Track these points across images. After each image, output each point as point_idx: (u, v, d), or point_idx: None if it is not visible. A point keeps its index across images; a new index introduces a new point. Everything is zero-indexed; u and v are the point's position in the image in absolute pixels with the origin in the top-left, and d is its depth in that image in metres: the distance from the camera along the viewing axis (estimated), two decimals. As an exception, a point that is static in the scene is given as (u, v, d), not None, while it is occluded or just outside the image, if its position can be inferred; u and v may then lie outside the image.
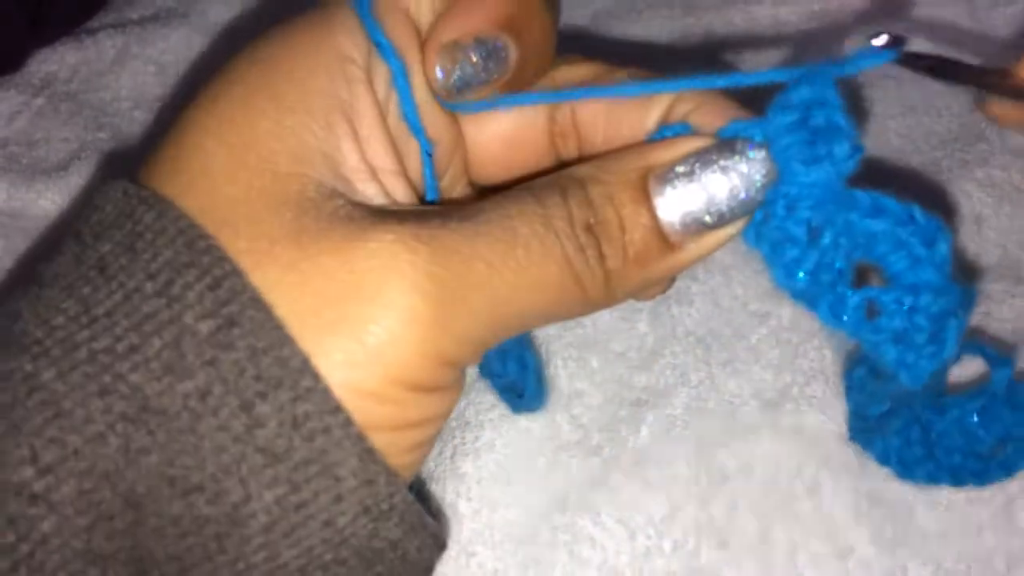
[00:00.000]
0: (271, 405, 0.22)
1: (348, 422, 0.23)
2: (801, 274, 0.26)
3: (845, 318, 0.26)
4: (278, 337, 0.22)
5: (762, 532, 0.35)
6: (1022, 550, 0.34)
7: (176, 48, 0.57)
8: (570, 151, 0.30)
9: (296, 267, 0.23)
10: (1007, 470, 0.33)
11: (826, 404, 0.38)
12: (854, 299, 0.26)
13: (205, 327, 0.22)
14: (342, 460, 0.23)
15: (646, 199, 0.25)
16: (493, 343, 0.26)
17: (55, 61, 0.56)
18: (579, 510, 0.36)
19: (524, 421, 0.38)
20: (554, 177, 0.26)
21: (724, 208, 0.25)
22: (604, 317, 0.42)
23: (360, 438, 0.23)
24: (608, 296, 0.26)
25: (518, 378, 0.32)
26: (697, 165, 0.25)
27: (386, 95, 0.27)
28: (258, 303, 0.22)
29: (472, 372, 0.41)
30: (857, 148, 0.25)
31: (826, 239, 0.26)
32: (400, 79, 0.27)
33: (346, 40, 0.26)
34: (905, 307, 0.26)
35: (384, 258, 0.23)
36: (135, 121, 0.54)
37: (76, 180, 0.50)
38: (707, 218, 0.25)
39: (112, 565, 0.22)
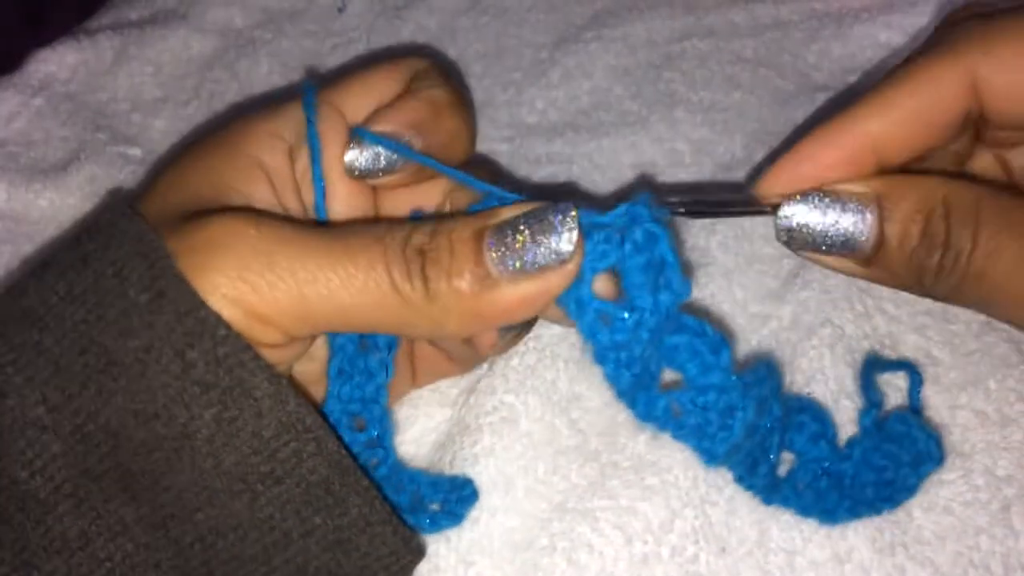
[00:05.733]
0: (198, 351, 0.30)
1: (257, 356, 0.30)
2: (628, 375, 0.33)
3: (656, 416, 0.33)
4: (196, 301, 0.30)
5: (761, 537, 0.36)
6: (1019, 553, 0.35)
7: (174, 49, 0.57)
8: None
9: (190, 236, 0.31)
10: (910, 490, 0.35)
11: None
12: (662, 401, 0.33)
13: (143, 298, 0.30)
14: (257, 384, 0.30)
15: (478, 242, 0.32)
16: (311, 324, 0.32)
17: (54, 62, 0.56)
18: (578, 516, 0.36)
19: (524, 425, 0.38)
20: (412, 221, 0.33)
21: (535, 256, 0.31)
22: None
23: (268, 368, 0.30)
24: (432, 314, 0.32)
25: (425, 497, 0.36)
26: (521, 225, 0.32)
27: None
28: (179, 277, 0.30)
29: (471, 376, 0.41)
30: (687, 283, 0.33)
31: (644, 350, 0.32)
32: (315, 159, 0.36)
33: (282, 125, 0.36)
34: (699, 406, 0.33)
35: (231, 231, 0.31)
36: (133, 122, 0.54)
37: (75, 180, 0.50)
38: (520, 258, 0.31)
39: (102, 478, 0.30)
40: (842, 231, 0.32)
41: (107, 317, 0.30)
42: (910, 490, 0.35)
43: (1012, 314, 0.31)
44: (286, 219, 0.33)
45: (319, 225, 0.34)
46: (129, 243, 0.31)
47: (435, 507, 0.36)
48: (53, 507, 0.30)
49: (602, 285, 0.32)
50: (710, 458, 0.34)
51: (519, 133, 0.52)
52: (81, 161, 0.51)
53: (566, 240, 0.31)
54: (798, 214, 0.32)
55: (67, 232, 0.35)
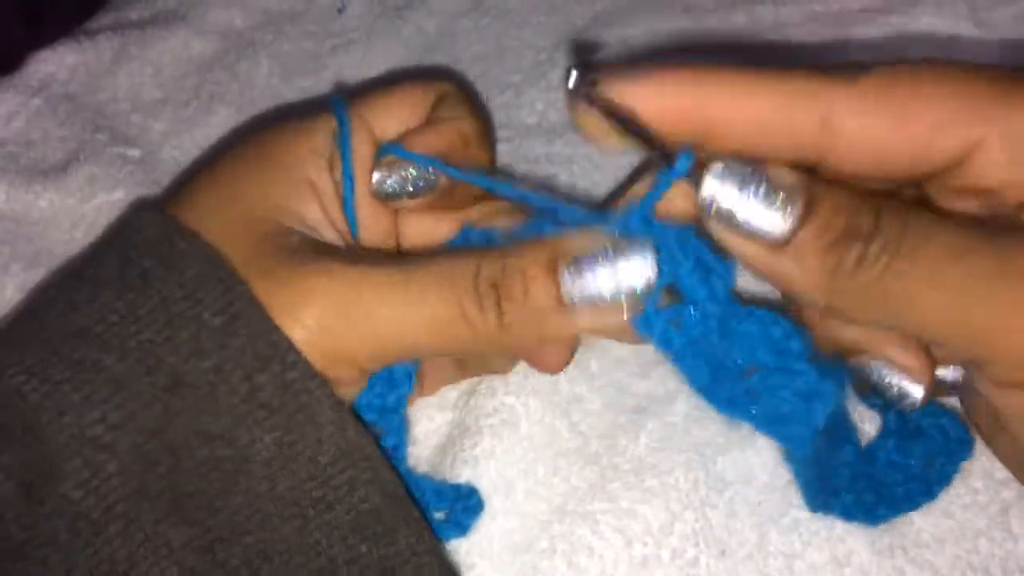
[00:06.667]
0: (267, 375, 0.30)
1: (324, 384, 0.31)
2: (705, 369, 0.33)
3: (737, 404, 0.33)
4: (268, 326, 0.31)
5: (760, 540, 0.36)
6: (1018, 557, 0.35)
7: (174, 50, 0.57)
8: None
9: (266, 279, 0.32)
10: (946, 480, 0.36)
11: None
12: (741, 388, 0.33)
13: (217, 321, 0.30)
14: (320, 411, 0.31)
15: (552, 275, 0.31)
16: (384, 360, 0.33)
17: (53, 62, 0.55)
18: (578, 519, 0.36)
19: (524, 427, 0.39)
20: (475, 248, 0.34)
21: (612, 293, 0.31)
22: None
23: (333, 395, 0.31)
24: (503, 341, 0.32)
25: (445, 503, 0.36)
26: (596, 259, 0.31)
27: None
28: (254, 302, 0.31)
29: (471, 380, 0.41)
30: (729, 263, 0.33)
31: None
32: (347, 174, 0.36)
33: (319, 141, 0.36)
34: (777, 390, 0.33)
35: (308, 283, 0.32)
36: (133, 123, 0.54)
37: (75, 181, 0.50)
38: (599, 298, 0.31)
39: (156, 499, 0.30)
40: (763, 208, 0.29)
41: (177, 339, 0.30)
42: (946, 480, 0.35)
43: (930, 316, 0.29)
44: (353, 254, 0.34)
45: (386, 257, 0.34)
46: (197, 265, 0.31)
47: (440, 516, 0.36)
48: (103, 528, 0.29)
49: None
50: (798, 445, 0.34)
51: (519, 134, 0.52)
52: (80, 162, 0.51)
53: (642, 279, 0.31)
54: (724, 182, 0.30)
55: (99, 243, 0.35)
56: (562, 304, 0.31)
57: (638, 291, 0.31)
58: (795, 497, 0.36)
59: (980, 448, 0.37)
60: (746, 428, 0.38)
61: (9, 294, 0.45)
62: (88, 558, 0.29)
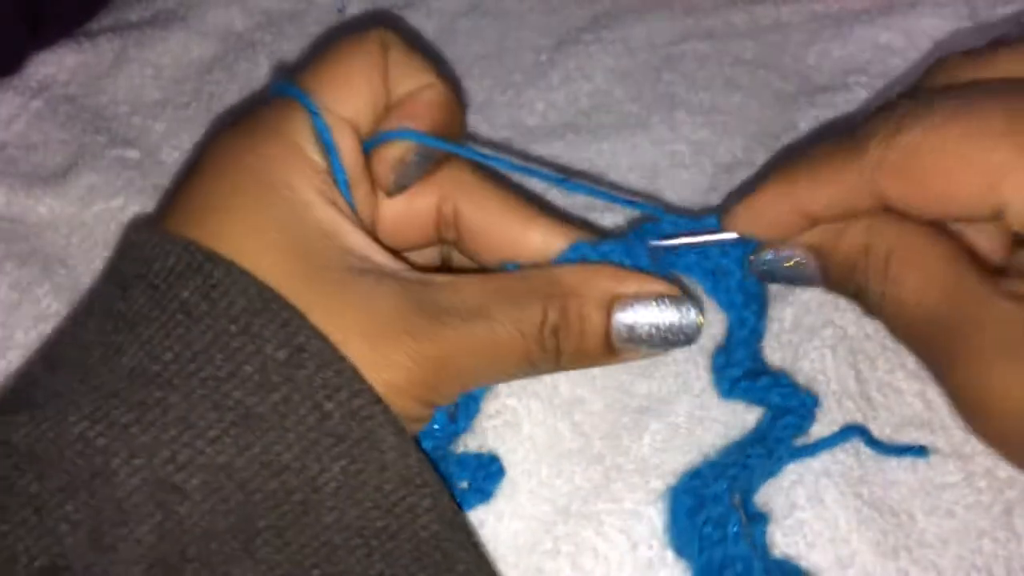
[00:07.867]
0: (334, 402, 0.30)
1: (387, 410, 0.31)
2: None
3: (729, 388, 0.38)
4: (334, 355, 0.31)
5: (764, 541, 0.35)
6: (1021, 556, 0.35)
7: (174, 51, 0.57)
8: (449, 235, 0.39)
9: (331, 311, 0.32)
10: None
11: (827, 408, 0.38)
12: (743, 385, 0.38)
13: (282, 354, 0.30)
14: (384, 438, 0.31)
15: (607, 318, 0.35)
16: (457, 394, 0.36)
17: (53, 64, 0.55)
18: (582, 520, 0.36)
19: (527, 428, 0.38)
20: (539, 284, 0.35)
21: (659, 341, 0.36)
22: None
23: (396, 421, 0.31)
24: (554, 371, 0.36)
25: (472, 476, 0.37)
26: (653, 306, 0.35)
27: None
28: (318, 335, 0.31)
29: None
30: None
31: None
32: (339, 175, 0.36)
33: (309, 150, 0.35)
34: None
35: (400, 347, 0.32)
36: (133, 124, 0.54)
37: (74, 185, 0.49)
38: (644, 343, 0.36)
39: (226, 539, 0.30)
40: (801, 273, 0.37)
41: (241, 373, 0.30)
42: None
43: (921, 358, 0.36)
44: (431, 305, 0.33)
45: (460, 297, 0.34)
46: (245, 298, 0.31)
47: (464, 485, 0.36)
48: (179, 572, 0.29)
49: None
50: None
51: (519, 135, 0.52)
52: (80, 166, 0.50)
53: (687, 331, 0.36)
54: (768, 262, 0.38)
55: (110, 275, 0.34)
56: (610, 345, 0.35)
57: (682, 340, 0.36)
58: (799, 498, 0.36)
59: (982, 448, 0.37)
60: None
61: (3, 293, 0.45)
62: None
